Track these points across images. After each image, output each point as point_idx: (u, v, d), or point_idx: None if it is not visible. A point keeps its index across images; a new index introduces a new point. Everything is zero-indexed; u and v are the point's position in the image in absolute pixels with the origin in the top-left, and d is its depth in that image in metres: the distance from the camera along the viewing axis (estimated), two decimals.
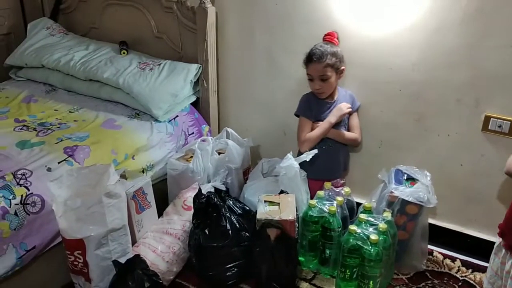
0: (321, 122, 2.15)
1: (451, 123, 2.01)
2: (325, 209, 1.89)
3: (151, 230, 1.99)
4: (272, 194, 1.97)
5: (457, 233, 2.13)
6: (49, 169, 1.86)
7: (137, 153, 2.15)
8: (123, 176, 1.99)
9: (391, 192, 1.88)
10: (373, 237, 1.69)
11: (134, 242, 1.91)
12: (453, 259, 2.05)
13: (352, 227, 1.76)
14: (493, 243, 1.98)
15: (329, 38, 2.11)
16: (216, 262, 1.88)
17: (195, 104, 2.55)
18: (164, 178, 2.27)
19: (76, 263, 1.71)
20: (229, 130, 2.44)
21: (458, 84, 1.95)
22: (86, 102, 2.46)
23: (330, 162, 2.20)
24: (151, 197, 2.01)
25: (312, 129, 2.17)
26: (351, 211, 2.02)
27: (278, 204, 1.85)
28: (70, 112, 2.36)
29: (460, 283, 1.92)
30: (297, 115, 2.22)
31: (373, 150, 2.24)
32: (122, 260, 1.70)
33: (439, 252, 2.09)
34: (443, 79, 1.97)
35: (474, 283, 1.91)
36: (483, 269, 1.97)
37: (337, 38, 2.11)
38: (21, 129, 2.12)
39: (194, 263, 1.91)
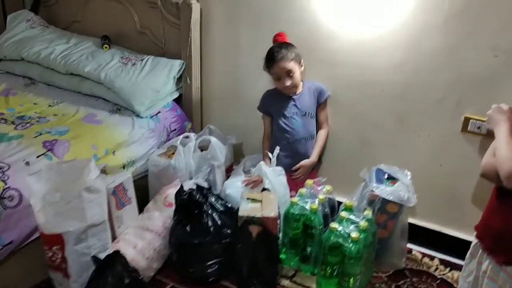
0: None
1: (432, 124, 2.04)
2: (306, 207, 1.90)
3: (131, 226, 1.97)
4: (254, 191, 1.98)
5: (436, 233, 2.16)
6: (27, 163, 1.82)
7: (118, 148, 2.13)
8: (103, 172, 1.96)
9: (372, 191, 1.90)
10: (354, 235, 1.71)
11: (114, 238, 1.88)
12: (432, 258, 2.08)
13: (333, 224, 1.77)
14: (471, 242, 2.02)
15: (280, 38, 2.15)
16: (197, 259, 1.88)
17: (177, 101, 2.53)
18: (145, 174, 2.25)
19: (54, 258, 1.68)
20: (212, 127, 2.43)
21: (439, 86, 1.97)
22: (66, 96, 2.42)
23: (295, 155, 2.23)
24: (131, 193, 1.99)
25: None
26: (332, 209, 2.03)
27: (261, 201, 1.85)
28: (49, 106, 2.32)
29: (438, 281, 1.95)
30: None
31: (354, 149, 2.26)
32: (102, 256, 1.68)
33: (418, 251, 2.12)
34: (425, 80, 1.99)
35: (452, 282, 1.94)
36: (460, 268, 1.99)
37: (286, 37, 2.16)
38: None
39: (175, 260, 1.90)
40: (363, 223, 1.76)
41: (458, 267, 2.01)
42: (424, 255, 2.10)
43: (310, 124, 2.22)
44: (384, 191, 1.87)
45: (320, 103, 2.23)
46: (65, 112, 2.26)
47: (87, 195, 1.63)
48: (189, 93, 2.50)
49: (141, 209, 2.06)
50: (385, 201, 1.87)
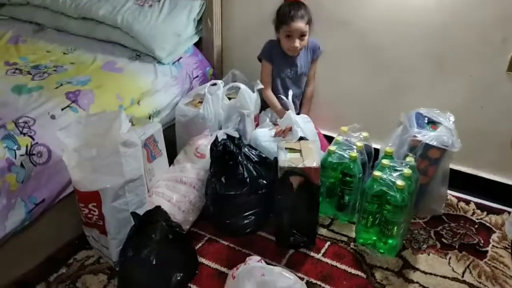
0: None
1: (474, 64, 1.93)
2: (345, 155, 1.84)
3: (162, 179, 1.91)
4: (289, 141, 1.90)
5: (470, 176, 2.12)
6: (52, 117, 1.71)
7: (143, 98, 2.02)
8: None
9: (414, 136, 1.82)
10: (400, 182, 1.65)
11: None
12: (467, 202, 2.05)
13: (377, 173, 1.71)
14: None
15: None
16: (233, 210, 1.83)
17: (196, 45, 2.38)
18: (171, 124, 2.16)
19: (91, 215, 1.61)
20: (236, 72, 2.31)
21: (483, 24, 1.85)
22: (80, 43, 2.26)
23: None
24: (162, 145, 1.91)
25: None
26: (369, 156, 1.96)
27: (299, 151, 1.77)
28: (64, 53, 2.17)
29: (476, 226, 1.92)
30: (259, 59, 2.21)
31: (388, 93, 2.16)
32: (139, 212, 1.62)
33: (453, 195, 2.08)
34: (467, 19, 1.87)
35: (490, 225, 1.92)
36: (497, 212, 1.99)
37: None
38: (13, 72, 1.95)
39: (211, 212, 1.85)
40: (407, 171, 1.70)
41: (495, 211, 1.99)
42: (459, 199, 2.07)
43: (303, 82, 2.21)
44: (427, 136, 1.80)
45: (313, 59, 2.18)
46: (82, 60, 2.11)
47: (124, 150, 1.53)
48: (210, 37, 2.35)
49: (169, 161, 1.99)
50: (427, 147, 1.80)
